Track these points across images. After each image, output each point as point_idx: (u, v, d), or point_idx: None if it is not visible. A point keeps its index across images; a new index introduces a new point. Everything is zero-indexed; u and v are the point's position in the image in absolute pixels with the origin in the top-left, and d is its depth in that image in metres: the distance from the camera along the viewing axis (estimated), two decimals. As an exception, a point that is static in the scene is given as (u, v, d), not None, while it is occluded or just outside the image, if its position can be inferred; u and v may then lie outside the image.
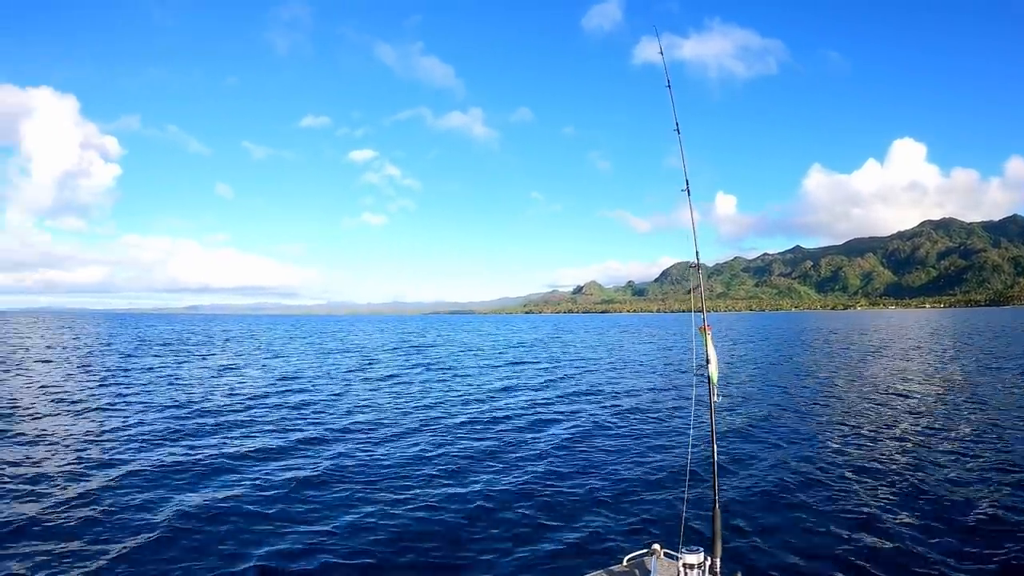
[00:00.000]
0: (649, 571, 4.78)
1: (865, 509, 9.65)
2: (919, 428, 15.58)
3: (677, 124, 5.83)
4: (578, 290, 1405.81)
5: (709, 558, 4.45)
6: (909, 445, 13.66)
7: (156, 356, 41.88)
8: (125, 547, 8.21)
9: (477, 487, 10.83)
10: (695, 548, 4.48)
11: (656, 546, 5.09)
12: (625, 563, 5.00)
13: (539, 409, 19.68)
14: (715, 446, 4.78)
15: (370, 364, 37.37)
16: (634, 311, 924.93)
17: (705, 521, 5.09)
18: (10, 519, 9.24)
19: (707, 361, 4.72)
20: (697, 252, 5.23)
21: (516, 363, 37.98)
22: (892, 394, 21.71)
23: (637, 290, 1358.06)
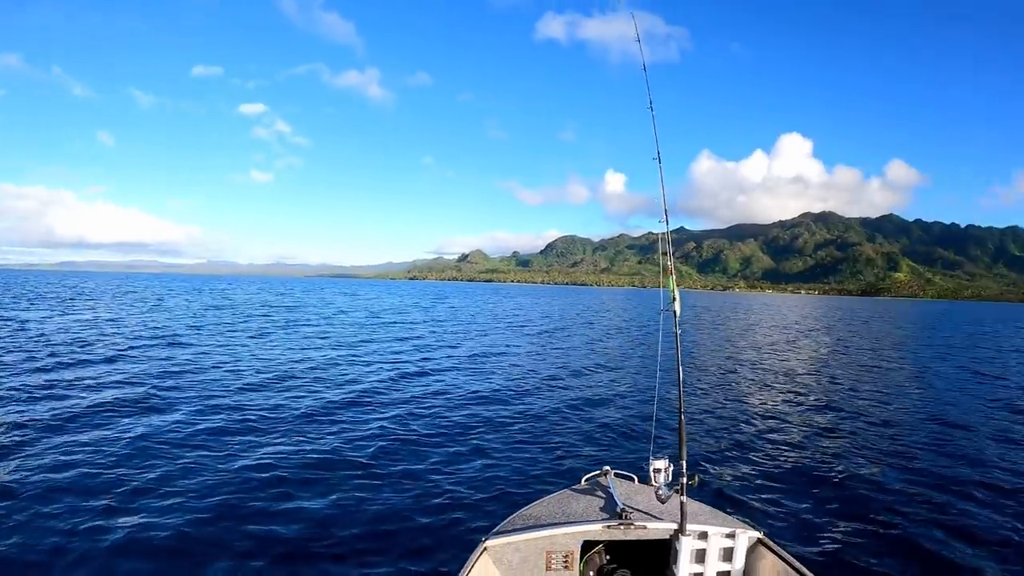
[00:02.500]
0: (607, 486, 5.14)
1: (790, 439, 11.83)
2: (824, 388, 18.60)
3: (651, 102, 5.99)
4: (463, 258, 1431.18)
5: (673, 464, 4.84)
6: (820, 399, 16.44)
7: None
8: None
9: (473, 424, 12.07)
10: (661, 455, 5.07)
11: (607, 467, 5.54)
12: (584, 483, 5.33)
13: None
14: (680, 371, 4.86)
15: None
16: (518, 282, 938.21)
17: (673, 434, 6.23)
18: None
19: (673, 299, 4.98)
20: (666, 210, 5.53)
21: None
22: (805, 363, 25.34)
23: (522, 261, 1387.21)
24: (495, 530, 4.56)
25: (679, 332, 5.01)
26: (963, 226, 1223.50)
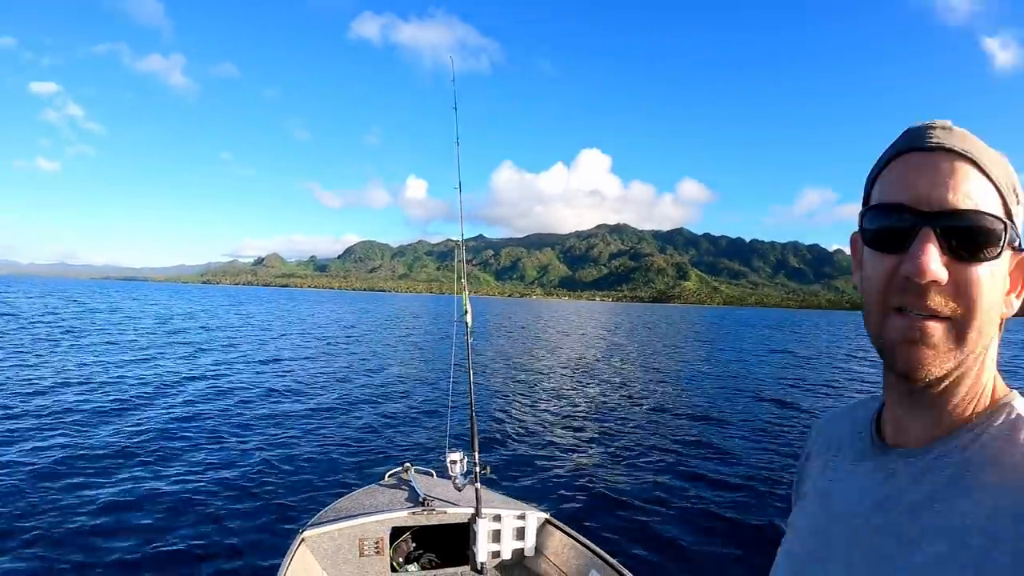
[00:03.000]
0: (408, 480, 5.48)
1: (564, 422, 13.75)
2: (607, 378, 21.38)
3: (458, 137, 6.34)
4: (259, 261, 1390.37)
5: (467, 456, 5.12)
6: (603, 392, 18.43)
7: None
8: None
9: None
10: (456, 449, 5.25)
11: (407, 463, 5.92)
12: (387, 478, 5.63)
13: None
14: (471, 375, 5.43)
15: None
16: (316, 287, 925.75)
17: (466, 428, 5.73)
18: None
19: (465, 312, 5.53)
20: (461, 198, 6.03)
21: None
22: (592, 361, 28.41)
23: (319, 265, 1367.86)
24: (311, 522, 4.77)
25: (471, 341, 5.51)
26: (748, 240, 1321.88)
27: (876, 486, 0.80)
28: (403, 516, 4.83)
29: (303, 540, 4.51)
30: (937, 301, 0.69)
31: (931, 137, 0.70)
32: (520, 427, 12.86)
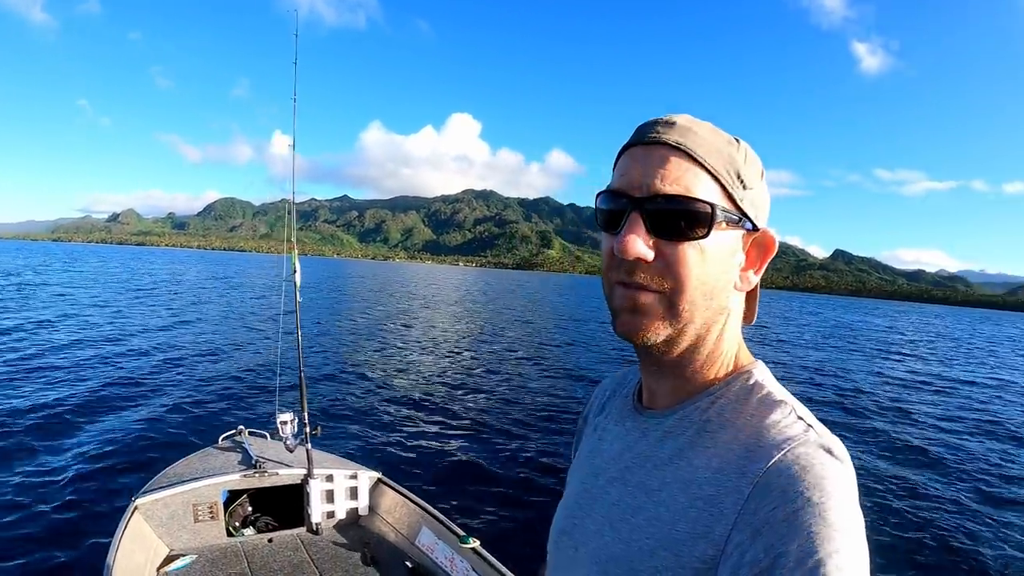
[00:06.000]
0: (242, 442, 5.51)
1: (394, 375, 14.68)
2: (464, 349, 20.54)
3: (295, 94, 5.44)
4: (114, 218, 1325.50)
5: (297, 417, 5.09)
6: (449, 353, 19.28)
7: None
8: None
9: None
10: (286, 410, 5.16)
11: (241, 426, 5.86)
12: (221, 441, 5.60)
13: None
14: (299, 335, 5.35)
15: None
16: (173, 246, 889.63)
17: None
18: None
19: (294, 271, 5.25)
20: (294, 191, 5.44)
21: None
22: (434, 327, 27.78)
23: (178, 223, 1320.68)
24: (143, 489, 4.64)
25: (300, 300, 5.40)
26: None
27: (632, 444, 0.90)
28: (236, 479, 4.84)
29: (136, 508, 4.42)
30: (643, 277, 0.75)
31: (651, 133, 0.77)
32: (353, 388, 12.82)
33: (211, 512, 4.68)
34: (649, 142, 0.77)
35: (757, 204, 0.78)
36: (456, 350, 19.62)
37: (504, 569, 3.83)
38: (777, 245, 0.80)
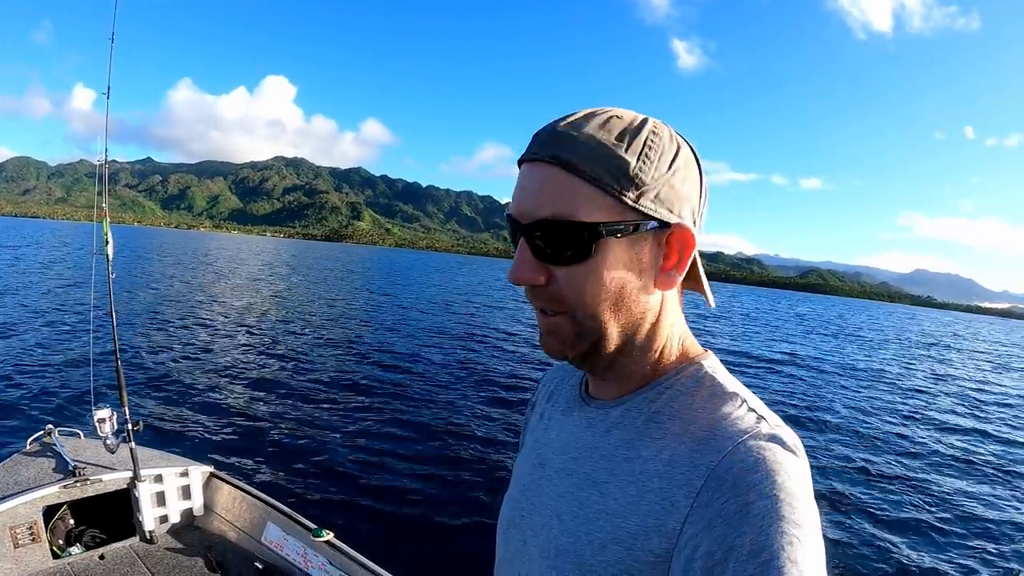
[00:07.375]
0: (54, 445, 4.86)
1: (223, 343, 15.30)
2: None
3: (114, 34, 4.56)
4: None
5: (116, 412, 4.46)
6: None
7: None
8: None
9: None
10: (101, 405, 4.45)
11: (50, 426, 5.11)
12: (29, 445, 4.91)
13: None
14: (114, 317, 4.71)
15: None
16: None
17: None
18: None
19: (106, 243, 4.57)
20: (107, 160, 4.80)
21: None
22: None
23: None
24: None
25: (113, 277, 4.75)
26: (424, 185, 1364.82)
27: (578, 435, 0.87)
28: (55, 492, 4.27)
29: None
30: (544, 301, 0.75)
31: (532, 148, 0.75)
32: (178, 377, 11.84)
33: (32, 534, 4.14)
34: (531, 159, 0.75)
35: (666, 198, 0.73)
36: (279, 329, 19.06)
37: (363, 559, 3.76)
38: (696, 238, 0.76)
